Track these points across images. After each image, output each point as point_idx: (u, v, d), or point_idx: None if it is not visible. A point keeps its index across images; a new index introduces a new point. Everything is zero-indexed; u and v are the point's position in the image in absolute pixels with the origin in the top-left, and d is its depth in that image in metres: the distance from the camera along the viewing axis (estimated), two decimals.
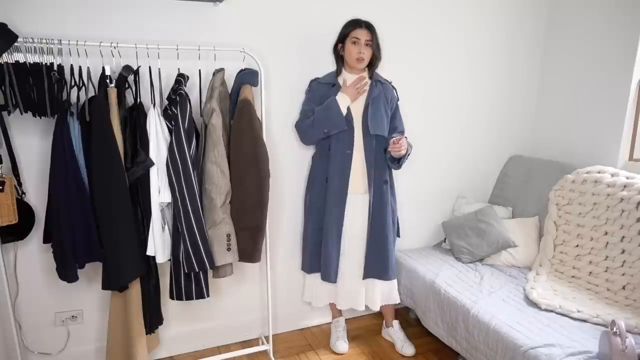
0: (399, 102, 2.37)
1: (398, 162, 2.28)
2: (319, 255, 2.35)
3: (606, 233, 2.24)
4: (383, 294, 2.42)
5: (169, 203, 1.91)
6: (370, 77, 2.29)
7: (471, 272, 2.45)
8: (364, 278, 2.37)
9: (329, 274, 2.33)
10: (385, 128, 2.28)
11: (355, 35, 2.17)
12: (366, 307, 2.45)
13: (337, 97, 2.20)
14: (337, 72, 2.28)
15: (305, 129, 2.28)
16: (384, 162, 2.31)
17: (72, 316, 2.19)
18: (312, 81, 2.34)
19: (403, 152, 2.19)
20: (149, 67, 1.93)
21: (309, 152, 2.46)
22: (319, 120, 2.22)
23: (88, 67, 1.83)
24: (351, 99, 2.21)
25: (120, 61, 1.91)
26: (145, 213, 1.91)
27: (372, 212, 2.31)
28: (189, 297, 1.98)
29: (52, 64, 1.75)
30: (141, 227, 1.92)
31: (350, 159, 2.26)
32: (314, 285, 2.44)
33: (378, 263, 2.34)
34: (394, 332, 2.53)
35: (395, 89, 2.35)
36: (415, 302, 2.49)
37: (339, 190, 2.28)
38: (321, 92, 2.27)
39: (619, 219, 2.20)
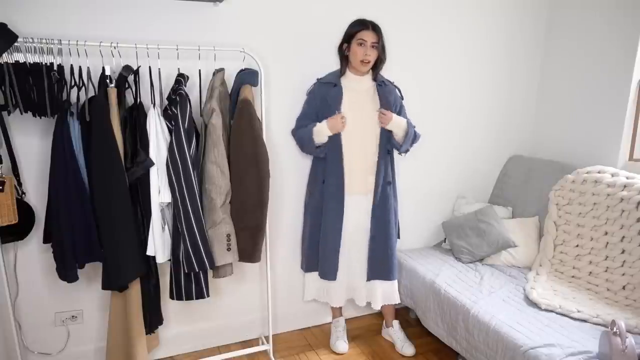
0: (403, 101, 2.37)
1: (404, 146, 2.30)
2: (316, 255, 2.36)
3: (606, 233, 2.24)
4: (384, 293, 2.42)
5: (169, 203, 1.91)
6: (375, 79, 2.29)
7: (471, 272, 2.45)
8: (368, 280, 2.37)
9: (327, 272, 2.34)
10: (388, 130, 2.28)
11: (361, 37, 2.16)
12: (367, 305, 2.45)
13: (315, 126, 2.22)
14: (341, 72, 2.28)
15: (297, 141, 2.35)
16: (388, 163, 2.31)
17: (72, 316, 2.19)
18: (315, 83, 2.33)
19: (389, 121, 2.20)
20: (149, 67, 1.92)
21: None
22: (300, 139, 2.31)
23: (88, 67, 1.83)
24: (330, 130, 2.20)
25: (120, 61, 1.91)
26: (145, 213, 1.91)
27: (375, 213, 2.31)
28: (189, 297, 1.98)
29: (52, 64, 1.75)
30: (141, 227, 1.92)
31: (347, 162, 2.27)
32: (313, 283, 2.45)
33: (381, 264, 2.34)
34: (394, 332, 2.53)
35: (399, 89, 2.36)
36: (415, 302, 2.49)
37: (336, 191, 2.28)
38: (322, 92, 2.27)
39: (619, 219, 2.20)
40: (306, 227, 2.44)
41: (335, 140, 2.24)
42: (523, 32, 2.89)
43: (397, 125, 2.24)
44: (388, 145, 2.31)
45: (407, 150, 2.38)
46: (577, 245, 2.35)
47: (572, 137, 2.80)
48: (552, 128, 2.94)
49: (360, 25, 2.17)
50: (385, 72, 2.35)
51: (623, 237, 2.17)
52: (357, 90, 2.27)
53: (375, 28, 2.17)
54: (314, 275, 2.42)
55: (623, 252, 2.16)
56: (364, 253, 2.36)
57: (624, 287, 2.10)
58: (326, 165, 2.28)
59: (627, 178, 2.27)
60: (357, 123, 2.26)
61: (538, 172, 2.77)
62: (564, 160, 2.76)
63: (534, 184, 2.75)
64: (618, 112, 2.51)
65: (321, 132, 2.21)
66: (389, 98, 2.27)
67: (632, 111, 2.49)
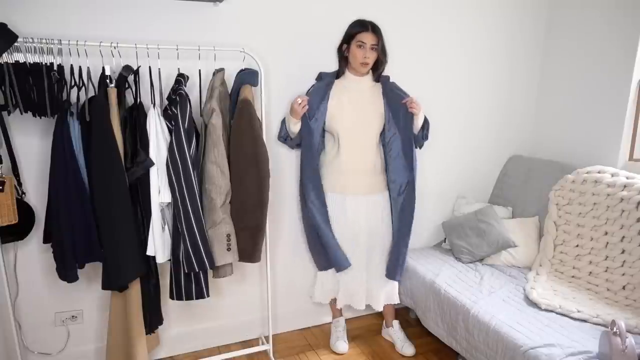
0: None
1: (422, 135, 2.33)
2: (325, 253, 2.34)
3: (606, 233, 2.24)
4: (386, 293, 2.43)
5: (169, 203, 1.91)
6: (378, 80, 2.29)
7: (471, 272, 2.45)
8: (389, 278, 2.36)
9: (340, 263, 2.30)
10: (395, 127, 2.29)
11: (360, 39, 2.15)
12: (367, 306, 2.45)
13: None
14: (341, 72, 2.28)
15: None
16: (389, 163, 2.30)
17: (72, 316, 2.19)
18: (313, 85, 2.31)
19: (417, 109, 2.21)
20: (149, 67, 1.92)
21: None
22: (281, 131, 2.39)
23: (88, 67, 1.83)
24: (294, 117, 2.20)
25: (120, 61, 1.91)
26: (145, 213, 1.91)
27: (398, 212, 2.31)
28: (189, 297, 1.98)
29: (52, 64, 1.75)
30: (141, 227, 1.92)
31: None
32: (324, 285, 2.46)
33: (397, 262, 2.33)
34: (394, 332, 2.53)
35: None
36: (415, 302, 2.49)
37: (313, 190, 2.28)
38: (320, 93, 2.26)
39: (619, 219, 2.20)
40: (307, 228, 2.42)
41: (308, 138, 2.23)
42: (523, 32, 2.89)
43: (422, 112, 2.27)
44: (403, 147, 2.30)
45: (426, 137, 2.38)
46: (577, 245, 2.35)
47: (572, 137, 2.80)
48: (552, 128, 2.94)
49: (359, 27, 2.17)
50: (385, 72, 2.34)
51: (623, 237, 2.17)
52: (357, 91, 2.27)
53: (375, 29, 2.17)
54: (327, 275, 2.42)
55: (623, 252, 2.16)
56: (363, 257, 2.36)
57: (624, 287, 2.10)
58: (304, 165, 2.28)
59: (627, 178, 2.27)
60: (357, 124, 2.26)
61: (538, 172, 2.77)
62: (564, 160, 2.76)
63: (534, 184, 2.75)
64: (618, 112, 2.51)
65: (289, 119, 2.24)
66: (395, 91, 2.28)
67: (632, 111, 2.49)
